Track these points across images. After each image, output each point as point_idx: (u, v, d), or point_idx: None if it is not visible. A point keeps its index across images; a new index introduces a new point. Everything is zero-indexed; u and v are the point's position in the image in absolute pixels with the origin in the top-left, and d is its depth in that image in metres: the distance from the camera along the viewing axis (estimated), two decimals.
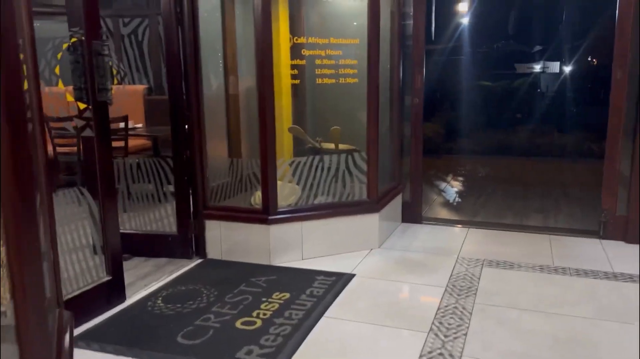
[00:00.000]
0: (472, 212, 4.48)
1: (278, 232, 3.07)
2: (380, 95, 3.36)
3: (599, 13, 9.22)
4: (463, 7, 10.11)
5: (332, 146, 3.48)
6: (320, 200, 3.32)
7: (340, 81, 3.24)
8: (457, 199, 5.03)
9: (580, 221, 4.10)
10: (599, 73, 9.02)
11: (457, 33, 10.48)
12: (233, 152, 3.75)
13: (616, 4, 3.28)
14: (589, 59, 9.20)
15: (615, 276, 2.91)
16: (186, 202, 3.16)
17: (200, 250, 3.23)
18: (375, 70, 3.20)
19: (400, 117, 3.86)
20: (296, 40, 3.27)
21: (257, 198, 3.21)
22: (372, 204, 3.33)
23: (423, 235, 3.74)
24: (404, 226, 3.94)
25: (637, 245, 3.36)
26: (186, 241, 3.20)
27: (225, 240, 3.17)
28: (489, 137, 8.19)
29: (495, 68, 10.56)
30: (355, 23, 3.34)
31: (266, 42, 2.88)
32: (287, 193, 3.25)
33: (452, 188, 5.64)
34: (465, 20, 10.34)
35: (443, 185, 5.76)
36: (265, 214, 3.06)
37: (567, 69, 10.15)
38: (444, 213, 4.46)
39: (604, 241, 3.48)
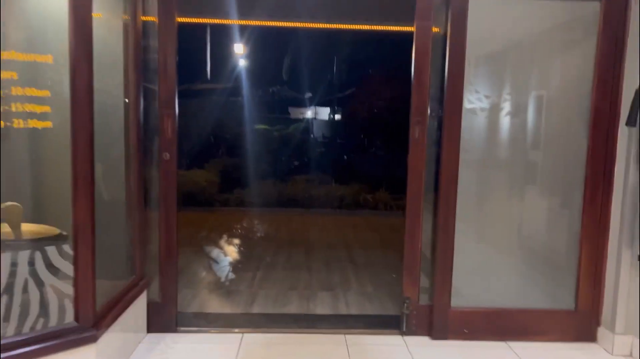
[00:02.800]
0: (249, 298, 3.44)
1: None
2: (105, 148, 2.11)
3: (382, 61, 9.52)
4: (239, 49, 9.47)
5: (8, 230, 2.04)
6: None
7: (15, 124, 1.89)
8: (229, 275, 3.95)
9: (378, 303, 3.40)
10: (376, 123, 9.23)
11: (234, 74, 9.79)
12: None
13: (410, 55, 2.68)
14: (364, 107, 9.35)
15: None
16: None
17: None
18: (85, 109, 1.94)
19: (139, 180, 2.63)
20: None
21: None
22: (83, 331, 2.00)
23: (177, 356, 2.53)
24: (151, 340, 2.66)
25: (445, 341, 2.72)
26: None
27: None
28: (267, 187, 7.43)
29: (272, 112, 10.14)
30: (49, 31, 2.03)
31: None
32: None
33: (225, 257, 4.56)
34: (242, 62, 9.73)
35: (215, 252, 4.64)
36: None
37: (339, 117, 10.25)
38: (211, 305, 3.32)
39: (408, 339, 2.76)
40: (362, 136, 9.26)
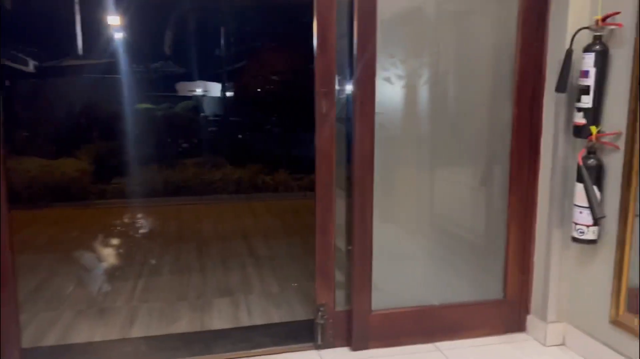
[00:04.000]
0: (128, 316, 2.80)
1: None
2: None
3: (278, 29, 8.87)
4: (114, 20, 8.35)
5: None
6: None
7: None
8: (104, 288, 3.25)
9: (286, 306, 2.93)
10: (271, 98, 8.61)
11: (110, 48, 8.64)
12: None
13: (306, 23, 2.17)
14: (257, 82, 8.70)
15: None
16: None
17: None
18: None
19: None
20: None
21: None
22: None
23: None
24: None
25: (367, 351, 2.32)
26: None
27: None
28: (151, 174, 6.61)
29: (157, 90, 9.16)
30: None
31: None
32: None
33: (100, 263, 3.81)
34: (119, 35, 8.60)
35: (87, 257, 3.88)
36: None
37: (231, 93, 9.53)
38: (77, 332, 2.62)
39: (325, 353, 2.32)
40: (256, 113, 8.65)
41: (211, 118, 9.14)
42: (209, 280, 3.44)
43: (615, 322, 2.08)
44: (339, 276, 2.35)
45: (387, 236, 2.34)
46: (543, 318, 2.38)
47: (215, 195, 6.38)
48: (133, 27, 8.51)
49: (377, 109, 2.21)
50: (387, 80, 2.25)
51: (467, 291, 2.47)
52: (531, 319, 2.46)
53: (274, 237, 4.54)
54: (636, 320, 2.00)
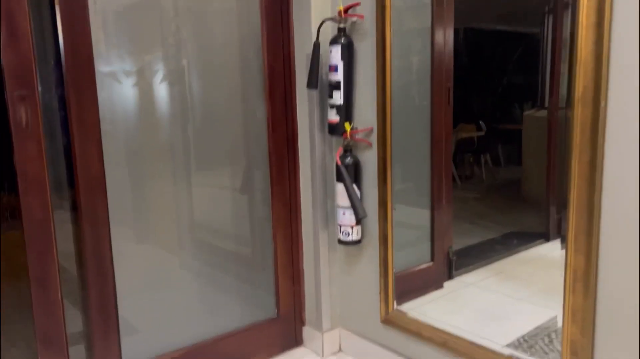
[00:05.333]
0: None
1: None
2: None
3: None
4: None
5: None
6: None
7: None
8: None
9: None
10: None
11: None
12: None
13: None
14: None
15: None
16: None
17: None
18: None
19: None
20: None
21: None
22: None
23: None
24: None
25: None
26: None
27: None
28: None
29: None
30: None
31: None
32: None
33: None
34: None
35: None
36: None
37: None
38: None
39: None
40: None
41: None
42: None
43: (386, 320, 2.05)
44: (74, 336, 1.81)
45: (138, 264, 1.89)
46: (318, 327, 2.25)
47: None
48: None
49: (102, 115, 1.73)
50: (113, 76, 1.78)
51: (241, 313, 2.19)
52: (307, 331, 2.31)
53: None
54: (405, 316, 1.99)
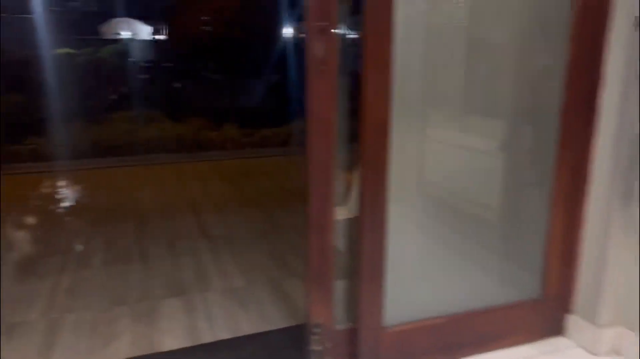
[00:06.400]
0: (44, 335, 2.08)
1: None
2: None
3: None
4: None
5: None
6: None
7: None
8: (12, 292, 2.48)
9: (256, 308, 2.29)
10: (211, 40, 7.54)
11: None
12: None
13: None
14: (194, 22, 7.61)
15: None
16: None
17: None
18: None
19: None
20: None
21: None
22: None
23: None
24: None
25: None
26: None
27: None
28: (75, 131, 5.62)
29: (78, 33, 7.89)
30: None
31: None
32: None
33: (8, 254, 2.99)
34: None
35: None
36: None
37: (165, 35, 8.40)
38: None
39: None
40: (194, 58, 7.65)
41: (142, 64, 8.04)
42: (153, 272, 2.73)
43: None
44: (338, 284, 1.73)
45: (404, 232, 1.73)
46: (591, 319, 1.89)
47: (152, 155, 5.53)
48: None
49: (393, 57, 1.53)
50: (409, 17, 1.56)
51: (500, 290, 1.93)
52: (575, 321, 1.96)
53: (227, 209, 3.85)
54: None
